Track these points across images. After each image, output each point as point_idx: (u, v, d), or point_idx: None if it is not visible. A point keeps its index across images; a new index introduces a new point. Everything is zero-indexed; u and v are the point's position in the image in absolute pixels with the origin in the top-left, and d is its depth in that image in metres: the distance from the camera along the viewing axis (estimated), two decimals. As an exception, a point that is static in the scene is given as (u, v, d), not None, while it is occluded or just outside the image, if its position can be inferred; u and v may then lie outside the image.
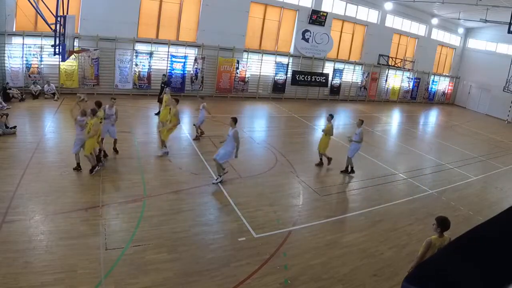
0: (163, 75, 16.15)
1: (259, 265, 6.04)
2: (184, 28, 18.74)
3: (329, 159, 11.26)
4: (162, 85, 14.82)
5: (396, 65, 25.98)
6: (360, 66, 25.25)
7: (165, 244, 6.28)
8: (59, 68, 15.63)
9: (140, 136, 12.12)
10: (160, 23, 18.12)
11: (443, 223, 4.88)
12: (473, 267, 0.81)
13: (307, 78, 22.73)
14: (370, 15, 24.49)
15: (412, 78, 28.22)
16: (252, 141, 13.14)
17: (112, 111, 9.79)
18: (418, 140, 17.79)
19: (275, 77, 21.63)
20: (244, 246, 6.54)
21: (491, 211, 9.54)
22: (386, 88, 26.93)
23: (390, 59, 25.75)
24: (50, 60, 15.18)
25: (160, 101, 14.32)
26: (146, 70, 17.73)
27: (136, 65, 17.50)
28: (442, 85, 30.70)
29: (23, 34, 14.75)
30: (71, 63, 15.69)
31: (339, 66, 23.97)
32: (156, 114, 14.40)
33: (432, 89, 29.91)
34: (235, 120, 8.80)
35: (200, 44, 18.80)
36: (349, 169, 10.81)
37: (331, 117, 11.15)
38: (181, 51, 18.59)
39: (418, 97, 29.10)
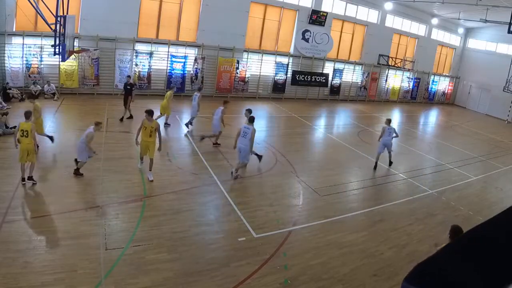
0: (128, 76, 14.31)
1: (259, 265, 6.04)
2: (184, 28, 18.74)
3: (259, 157, 10.43)
4: (128, 87, 13.11)
5: (396, 65, 25.98)
6: (360, 66, 25.25)
7: (165, 244, 6.28)
8: (59, 68, 15.63)
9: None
10: (160, 23, 18.12)
11: (453, 232, 5.11)
12: (473, 267, 0.81)
13: (307, 78, 22.73)
14: (370, 15, 24.49)
15: (412, 78, 28.22)
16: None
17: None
18: (418, 140, 17.78)
19: (275, 77, 21.63)
20: (244, 246, 6.54)
21: (491, 211, 9.54)
22: (386, 88, 26.93)
23: (390, 59, 25.75)
24: (50, 60, 15.18)
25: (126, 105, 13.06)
26: (146, 70, 17.73)
27: (136, 65, 17.50)
28: (442, 85, 30.69)
29: (23, 34, 14.75)
30: (71, 63, 15.68)
31: (339, 66, 23.97)
32: (121, 120, 13.05)
33: (432, 89, 29.91)
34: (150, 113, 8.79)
35: (200, 44, 18.80)
36: (390, 162, 12.04)
37: (249, 112, 10.24)
38: (181, 51, 18.59)
39: (418, 97, 29.10)
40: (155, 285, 5.29)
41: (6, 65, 14.70)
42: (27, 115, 7.93)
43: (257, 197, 8.60)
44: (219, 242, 6.65)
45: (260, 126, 16.26)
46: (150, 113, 8.78)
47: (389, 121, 11.70)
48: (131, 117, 13.31)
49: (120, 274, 5.39)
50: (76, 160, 8.50)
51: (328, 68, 23.62)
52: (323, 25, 22.25)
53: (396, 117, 23.53)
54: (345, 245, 7.04)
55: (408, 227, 8.10)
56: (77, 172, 8.39)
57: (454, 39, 30.21)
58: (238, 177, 9.38)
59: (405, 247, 7.26)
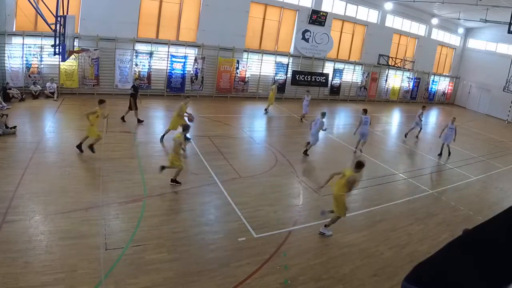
0: (134, 79, 14.55)
1: (259, 265, 6.04)
2: (184, 28, 18.74)
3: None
4: (132, 89, 13.14)
5: (396, 65, 25.96)
6: (360, 66, 25.24)
7: (165, 244, 6.29)
8: (59, 68, 15.62)
9: (141, 136, 12.12)
10: (160, 23, 18.11)
11: None
12: (473, 267, 0.81)
13: (307, 78, 22.72)
14: (370, 15, 24.48)
15: (412, 78, 28.21)
16: (252, 141, 13.13)
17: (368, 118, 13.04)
18: (418, 140, 17.77)
19: (275, 77, 21.62)
20: (244, 246, 6.54)
21: (491, 211, 9.55)
22: (386, 88, 26.92)
23: (390, 59, 25.74)
24: (50, 60, 15.17)
25: (135, 107, 12.89)
26: (146, 70, 17.73)
27: (136, 65, 17.49)
28: (442, 85, 30.69)
29: (23, 34, 14.74)
30: (71, 63, 15.67)
31: (339, 66, 23.97)
32: (123, 119, 12.98)
33: (432, 89, 29.90)
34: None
35: (200, 44, 18.79)
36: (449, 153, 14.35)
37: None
38: (181, 51, 18.58)
39: (418, 97, 29.08)
40: (155, 285, 5.29)
41: (6, 65, 14.69)
42: (184, 128, 8.76)
43: (257, 197, 8.60)
44: (219, 242, 6.65)
45: (260, 126, 16.28)
46: (359, 166, 7.08)
47: (454, 119, 14.19)
48: (139, 121, 13.20)
49: (120, 274, 5.39)
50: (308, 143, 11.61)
51: (328, 68, 23.61)
52: (323, 25, 22.24)
53: (396, 117, 23.54)
54: (345, 245, 7.05)
55: (408, 227, 8.10)
56: (305, 152, 11.82)
57: (454, 39, 30.20)
58: (360, 152, 12.73)
59: (405, 247, 7.26)
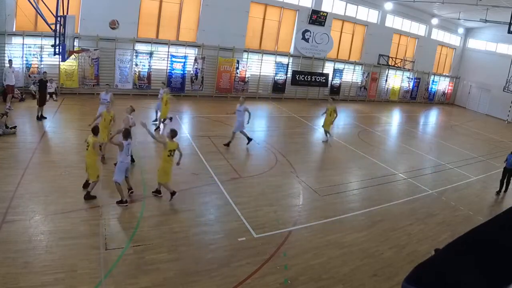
0: (44, 72, 13.21)
1: (259, 265, 6.04)
2: (184, 28, 18.74)
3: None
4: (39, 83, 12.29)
5: (396, 65, 25.96)
6: (360, 66, 25.24)
7: (165, 244, 6.29)
8: (59, 68, 15.62)
9: (140, 136, 12.11)
10: (160, 23, 18.11)
11: None
12: (473, 267, 0.81)
13: (307, 78, 22.72)
14: (370, 15, 24.48)
15: (412, 78, 28.20)
16: (252, 141, 13.12)
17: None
18: (418, 140, 17.78)
19: (275, 77, 21.62)
20: (244, 246, 6.55)
21: (491, 211, 9.56)
22: (386, 88, 26.91)
23: (390, 59, 25.73)
24: (50, 60, 15.16)
25: (41, 103, 11.93)
26: (146, 70, 17.73)
27: (136, 65, 17.49)
28: (442, 85, 30.68)
29: (23, 34, 14.74)
30: (71, 63, 15.66)
31: (339, 66, 23.96)
32: (41, 118, 12.02)
33: (432, 89, 29.89)
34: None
35: (200, 44, 18.79)
36: None
37: None
38: (181, 51, 18.58)
39: (418, 97, 29.08)
40: (155, 285, 5.29)
41: (6, 65, 14.67)
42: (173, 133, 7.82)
43: (257, 197, 8.60)
44: (219, 242, 6.65)
45: (260, 126, 16.27)
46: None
47: (242, 100, 11.71)
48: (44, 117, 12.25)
49: (120, 274, 5.40)
50: None
51: (328, 68, 23.61)
52: (323, 25, 22.24)
53: (396, 117, 23.54)
54: (345, 245, 7.05)
55: (408, 227, 8.10)
56: None
57: (454, 39, 30.20)
58: None
59: (405, 247, 7.26)
